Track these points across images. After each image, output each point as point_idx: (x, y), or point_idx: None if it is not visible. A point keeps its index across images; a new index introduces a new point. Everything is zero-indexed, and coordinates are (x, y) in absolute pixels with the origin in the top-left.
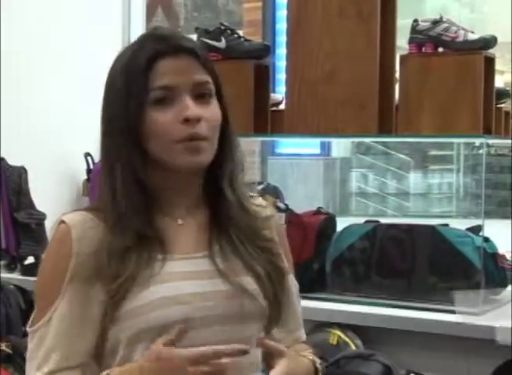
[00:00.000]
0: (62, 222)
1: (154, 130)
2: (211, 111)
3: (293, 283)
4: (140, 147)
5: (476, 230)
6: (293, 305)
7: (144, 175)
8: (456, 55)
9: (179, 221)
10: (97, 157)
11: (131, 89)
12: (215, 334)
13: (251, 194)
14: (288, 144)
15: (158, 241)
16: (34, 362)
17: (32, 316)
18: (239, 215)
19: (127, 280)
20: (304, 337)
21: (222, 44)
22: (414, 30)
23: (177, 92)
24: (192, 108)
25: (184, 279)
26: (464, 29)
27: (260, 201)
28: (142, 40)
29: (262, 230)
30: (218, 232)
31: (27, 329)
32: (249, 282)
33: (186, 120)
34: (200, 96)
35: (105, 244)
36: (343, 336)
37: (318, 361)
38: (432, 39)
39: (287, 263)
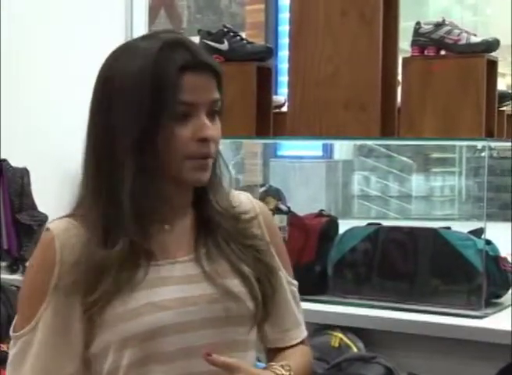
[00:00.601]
0: (47, 229)
1: (170, 145)
2: (218, 130)
3: (285, 279)
4: (140, 157)
5: (478, 232)
6: (287, 302)
7: (139, 186)
8: (459, 57)
9: (166, 227)
10: None
11: (160, 100)
12: (201, 339)
13: (237, 192)
14: (290, 147)
15: (144, 248)
16: (19, 369)
17: (14, 321)
18: (224, 218)
19: (105, 294)
20: (302, 335)
21: (225, 46)
22: (417, 32)
23: (196, 109)
24: (208, 129)
25: (169, 284)
26: (466, 32)
27: (248, 198)
28: (166, 47)
29: (248, 229)
30: (205, 234)
31: (10, 333)
32: (235, 284)
33: (203, 140)
34: (211, 114)
35: (85, 256)
36: (344, 338)
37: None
38: (434, 42)
39: (280, 261)
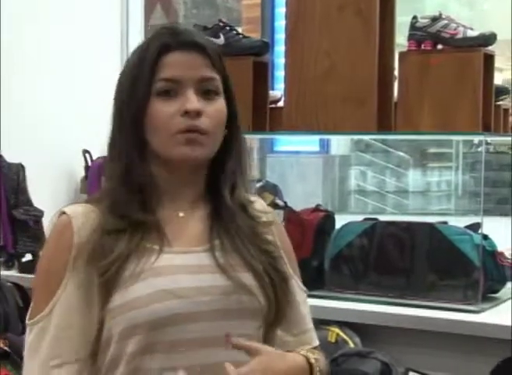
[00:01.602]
0: (63, 213)
1: (155, 121)
2: (215, 107)
3: (297, 288)
4: (140, 137)
5: (475, 227)
6: (296, 308)
7: (141, 165)
8: (456, 52)
9: (181, 214)
10: (95, 154)
11: (138, 79)
12: (212, 329)
13: (253, 198)
14: (287, 142)
15: (156, 232)
16: (37, 354)
17: (31, 307)
18: (239, 216)
19: (118, 259)
20: (313, 343)
21: (221, 40)
22: (413, 26)
23: (182, 86)
24: (193, 101)
25: (183, 272)
26: (463, 26)
27: (262, 206)
28: (156, 33)
29: (263, 234)
30: (219, 227)
31: (26, 322)
32: (247, 278)
33: (186, 112)
34: (206, 92)
35: (100, 226)
36: (341, 334)
37: (312, 356)
38: (431, 36)
39: (291, 269)
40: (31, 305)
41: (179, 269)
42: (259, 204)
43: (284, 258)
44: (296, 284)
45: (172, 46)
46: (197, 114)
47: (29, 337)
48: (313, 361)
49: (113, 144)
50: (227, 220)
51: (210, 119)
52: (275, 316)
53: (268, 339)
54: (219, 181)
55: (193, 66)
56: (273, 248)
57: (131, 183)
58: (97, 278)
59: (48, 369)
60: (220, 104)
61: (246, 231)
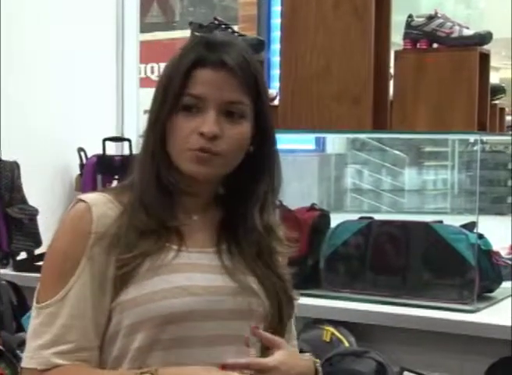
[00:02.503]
0: (81, 200)
1: (174, 134)
2: (235, 131)
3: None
4: (164, 146)
5: (470, 226)
6: (290, 321)
7: (169, 170)
8: (451, 50)
9: (194, 217)
10: (90, 152)
11: (168, 91)
12: (220, 328)
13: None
14: (282, 140)
15: (175, 232)
16: (43, 339)
17: (38, 291)
18: (261, 237)
19: (140, 256)
20: (296, 349)
21: None
22: (409, 25)
23: (206, 104)
24: (210, 124)
25: (197, 271)
26: (459, 25)
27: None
28: (194, 43)
29: (275, 254)
30: (227, 233)
31: (34, 304)
32: (253, 282)
33: (202, 134)
34: (230, 114)
35: (126, 220)
36: (336, 333)
37: (318, 361)
38: (426, 35)
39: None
40: (38, 288)
41: (194, 267)
42: (281, 231)
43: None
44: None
45: (204, 62)
46: (213, 137)
47: (36, 320)
48: (319, 367)
49: (146, 144)
50: (240, 231)
51: (227, 142)
52: (277, 321)
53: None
54: (249, 204)
55: (222, 86)
56: (283, 272)
57: (162, 185)
58: (113, 269)
59: (50, 354)
60: (242, 128)
61: (260, 247)
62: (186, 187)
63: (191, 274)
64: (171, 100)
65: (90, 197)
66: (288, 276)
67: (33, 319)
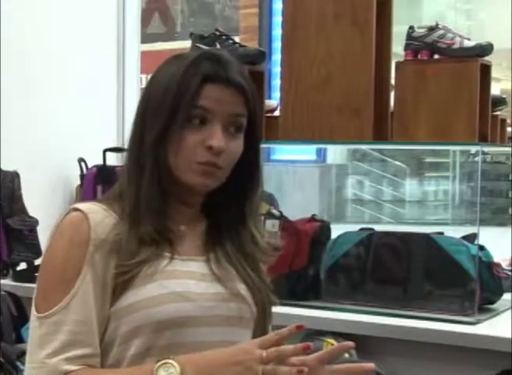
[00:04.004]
0: (76, 209)
1: (179, 146)
2: (235, 145)
3: None
4: (161, 154)
5: (471, 238)
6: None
7: (168, 182)
8: (452, 62)
9: (182, 227)
10: (90, 162)
11: (180, 104)
12: (215, 335)
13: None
14: (283, 151)
15: (168, 241)
16: (51, 348)
17: (37, 301)
18: (248, 246)
19: (142, 263)
20: None
21: None
22: (410, 36)
23: (212, 117)
24: (219, 138)
25: (190, 278)
26: (460, 36)
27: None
28: (200, 57)
29: (259, 262)
30: (213, 242)
31: (33, 313)
32: (242, 288)
33: (210, 148)
34: (230, 128)
35: (125, 229)
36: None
37: None
38: (427, 46)
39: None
40: (37, 297)
41: (187, 274)
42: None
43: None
44: None
45: (213, 77)
46: (220, 152)
47: (39, 330)
48: None
49: (135, 153)
50: (226, 239)
51: (229, 156)
52: (263, 326)
53: None
54: (239, 214)
55: (228, 101)
56: (265, 277)
57: (156, 200)
58: (112, 275)
59: (59, 361)
60: (239, 142)
61: (245, 255)
62: (183, 198)
63: (186, 281)
64: (183, 113)
65: (84, 206)
66: (269, 282)
67: (36, 330)
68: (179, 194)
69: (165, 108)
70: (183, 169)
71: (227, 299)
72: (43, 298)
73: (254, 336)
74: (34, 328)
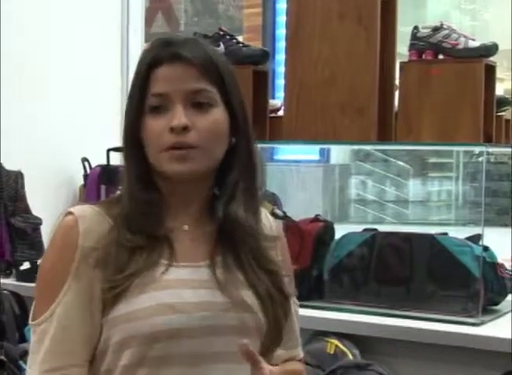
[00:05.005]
0: (70, 213)
1: (148, 137)
2: (208, 120)
3: (294, 304)
4: (141, 153)
5: (476, 238)
6: (293, 323)
7: (146, 179)
8: (457, 62)
9: (185, 227)
10: (94, 162)
11: (133, 94)
12: (211, 345)
13: (261, 210)
14: (287, 151)
15: (167, 244)
16: (36, 358)
17: (32, 309)
18: (245, 231)
19: (132, 275)
20: (301, 354)
21: (221, 49)
22: (415, 36)
23: (171, 101)
24: (179, 117)
25: (186, 287)
26: (464, 36)
27: (266, 217)
28: (151, 45)
29: (268, 251)
30: (224, 243)
31: (30, 322)
32: (248, 295)
33: (172, 130)
34: (198, 105)
35: (115, 237)
36: (340, 345)
37: None
38: (432, 46)
39: (289, 283)
40: (34, 305)
41: (183, 283)
42: (263, 214)
43: (286, 278)
44: (293, 301)
45: (161, 60)
46: (184, 129)
47: (33, 337)
48: None
49: (124, 155)
50: (234, 237)
51: (200, 132)
52: (275, 335)
53: (265, 357)
54: (220, 195)
55: (181, 79)
56: (277, 268)
57: (141, 197)
58: (101, 291)
59: (39, 373)
60: (215, 115)
61: (253, 248)
62: (180, 195)
63: (180, 290)
64: (135, 103)
65: (78, 209)
66: (281, 272)
67: (32, 336)
68: (171, 191)
69: (131, 102)
70: (156, 159)
71: (227, 308)
72: (36, 305)
73: (266, 347)
74: (31, 334)
